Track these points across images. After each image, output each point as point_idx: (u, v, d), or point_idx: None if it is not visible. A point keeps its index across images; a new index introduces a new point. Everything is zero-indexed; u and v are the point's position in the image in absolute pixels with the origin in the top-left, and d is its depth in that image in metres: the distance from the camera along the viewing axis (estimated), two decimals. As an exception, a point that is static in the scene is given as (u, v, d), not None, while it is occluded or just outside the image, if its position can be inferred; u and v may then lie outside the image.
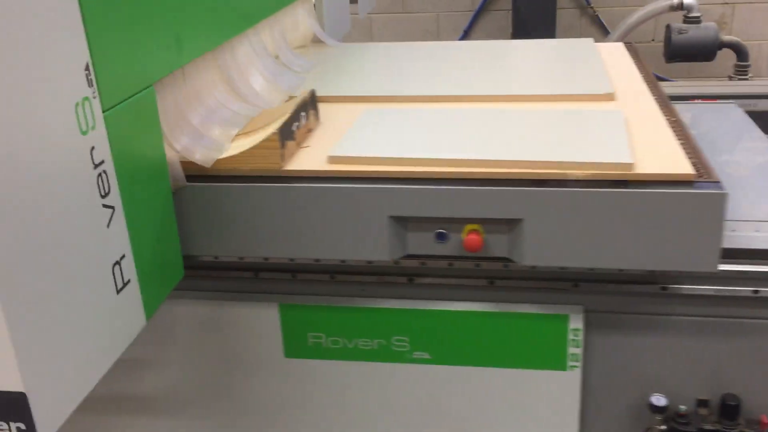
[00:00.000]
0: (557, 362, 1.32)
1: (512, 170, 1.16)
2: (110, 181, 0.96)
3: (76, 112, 0.88)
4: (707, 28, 3.06)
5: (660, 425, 1.29)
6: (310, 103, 1.37)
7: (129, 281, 1.01)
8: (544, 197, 1.12)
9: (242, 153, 1.20)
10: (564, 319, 1.29)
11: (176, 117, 1.20)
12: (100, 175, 0.93)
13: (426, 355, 1.36)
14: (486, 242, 1.18)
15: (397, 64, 1.82)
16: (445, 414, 1.39)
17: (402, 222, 1.19)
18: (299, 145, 1.30)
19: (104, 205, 0.95)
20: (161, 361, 1.43)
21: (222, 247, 1.23)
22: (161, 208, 1.12)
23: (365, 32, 4.12)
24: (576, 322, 1.27)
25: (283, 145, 1.21)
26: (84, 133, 0.90)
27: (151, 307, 1.08)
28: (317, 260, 1.28)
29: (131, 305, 1.03)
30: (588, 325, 1.28)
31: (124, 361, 1.02)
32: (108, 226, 0.96)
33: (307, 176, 1.20)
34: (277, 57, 1.66)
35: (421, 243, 1.21)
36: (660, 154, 1.19)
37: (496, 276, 1.28)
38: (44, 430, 0.83)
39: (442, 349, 1.35)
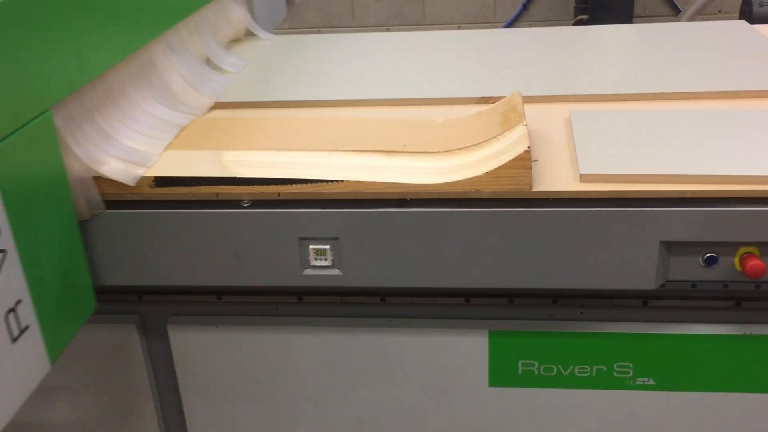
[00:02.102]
0: (797, 385, 1.22)
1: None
2: (0, 222, 0.85)
3: None
4: (789, 0, 2.95)
5: None
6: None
7: (27, 327, 0.92)
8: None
9: (488, 174, 1.06)
10: (813, 340, 1.19)
11: (87, 127, 1.08)
12: None
13: (650, 381, 1.25)
14: (761, 266, 1.06)
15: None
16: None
17: (667, 246, 1.07)
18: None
19: None
20: (364, 384, 1.30)
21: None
22: (66, 241, 1.02)
23: (418, 8, 3.93)
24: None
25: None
26: None
27: (56, 349, 1.00)
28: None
29: (31, 352, 0.94)
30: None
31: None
32: None
33: (560, 198, 1.07)
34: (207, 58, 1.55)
35: (686, 268, 1.09)
36: None
37: (744, 297, 1.17)
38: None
39: (668, 374, 1.24)
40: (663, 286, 1.10)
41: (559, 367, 1.26)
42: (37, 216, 0.96)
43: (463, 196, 1.08)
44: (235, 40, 1.86)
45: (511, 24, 3.88)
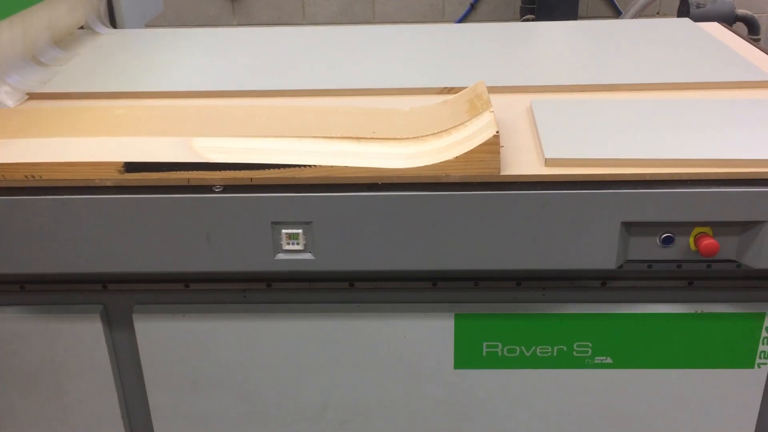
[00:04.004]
0: (745, 360, 1.29)
1: (745, 169, 1.10)
2: None
3: None
4: (724, 2, 3.09)
5: None
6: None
7: None
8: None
9: (457, 158, 1.09)
10: (760, 317, 1.25)
11: None
12: None
13: (608, 360, 1.31)
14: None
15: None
16: (621, 417, 1.35)
17: (627, 227, 1.12)
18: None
19: None
20: (331, 369, 1.32)
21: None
22: None
23: (368, 6, 3.95)
24: (774, 320, 1.24)
25: (498, 148, 1.10)
26: None
27: None
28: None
29: None
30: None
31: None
32: None
33: (526, 181, 1.11)
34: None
35: (644, 248, 1.14)
36: None
37: (697, 277, 1.23)
38: None
39: (625, 352, 1.30)
40: (622, 266, 1.15)
41: (522, 348, 1.30)
42: None
43: (433, 180, 1.11)
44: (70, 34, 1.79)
45: (459, 23, 3.94)
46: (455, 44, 1.73)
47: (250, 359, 1.31)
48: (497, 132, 1.08)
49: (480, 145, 1.08)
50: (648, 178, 1.10)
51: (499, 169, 1.10)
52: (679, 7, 3.20)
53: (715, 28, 1.83)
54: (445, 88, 1.44)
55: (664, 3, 3.66)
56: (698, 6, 3.04)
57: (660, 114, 1.28)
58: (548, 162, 1.12)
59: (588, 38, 1.79)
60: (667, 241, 1.13)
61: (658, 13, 3.78)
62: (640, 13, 3.29)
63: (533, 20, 3.58)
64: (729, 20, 3.09)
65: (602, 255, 1.12)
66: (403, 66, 1.59)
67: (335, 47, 1.72)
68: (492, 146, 1.08)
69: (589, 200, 1.09)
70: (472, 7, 3.93)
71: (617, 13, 3.79)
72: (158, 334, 1.29)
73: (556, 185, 1.10)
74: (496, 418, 1.35)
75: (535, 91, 1.44)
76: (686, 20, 1.86)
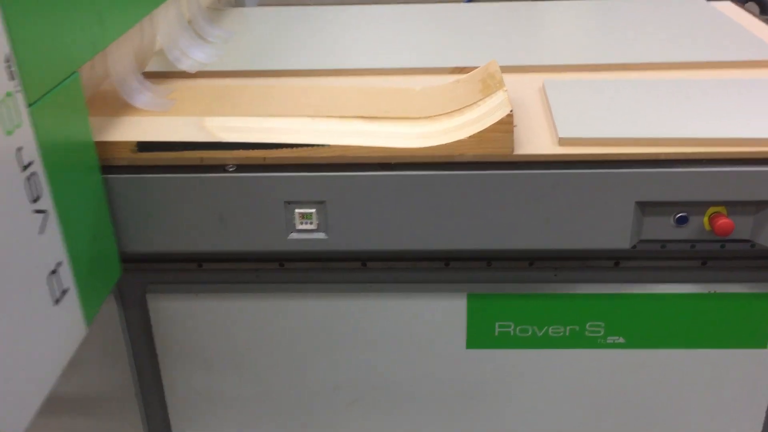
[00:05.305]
0: (758, 341, 1.29)
1: (760, 149, 1.10)
2: (41, 183, 0.87)
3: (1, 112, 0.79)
4: (736, -18, 3.05)
5: None
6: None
7: (67, 290, 0.94)
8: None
9: (471, 137, 1.09)
10: (773, 297, 1.25)
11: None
12: (29, 177, 0.85)
13: (620, 340, 1.31)
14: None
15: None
16: (632, 396, 1.35)
17: (641, 206, 1.12)
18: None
19: (35, 211, 0.86)
20: (342, 350, 1.32)
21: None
22: (95, 204, 1.04)
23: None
24: (788, 300, 1.24)
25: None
26: (9, 133, 0.80)
27: (90, 314, 1.01)
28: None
29: (70, 315, 0.96)
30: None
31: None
32: (41, 233, 0.87)
33: (540, 161, 1.10)
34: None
35: (658, 228, 1.14)
36: None
37: (710, 257, 1.23)
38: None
39: (637, 332, 1.30)
40: (635, 246, 1.15)
41: (534, 328, 1.30)
42: (71, 177, 0.97)
43: (446, 160, 1.11)
44: (214, 9, 1.84)
45: (469, 2, 3.90)
46: (465, 23, 1.72)
47: (262, 339, 1.32)
48: (511, 111, 1.07)
49: (494, 124, 1.08)
50: (663, 158, 1.09)
51: (512, 148, 1.10)
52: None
53: (728, 8, 1.81)
54: (456, 67, 1.43)
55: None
56: (710, -15, 3.00)
57: (674, 93, 1.27)
58: (562, 141, 1.12)
59: (599, 17, 1.77)
60: (682, 221, 1.12)
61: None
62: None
63: None
64: (741, 0, 3.05)
65: (616, 234, 1.12)
66: (413, 45, 1.58)
67: (343, 27, 1.71)
68: (506, 125, 1.08)
69: (604, 179, 1.08)
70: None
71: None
72: (172, 314, 1.29)
73: (570, 164, 1.09)
74: (508, 398, 1.36)
75: (547, 70, 1.44)
76: (700, 0, 1.84)
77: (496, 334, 1.31)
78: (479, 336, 1.31)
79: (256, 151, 1.11)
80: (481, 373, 1.34)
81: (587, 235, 1.12)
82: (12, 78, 0.82)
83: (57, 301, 0.92)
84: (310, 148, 1.11)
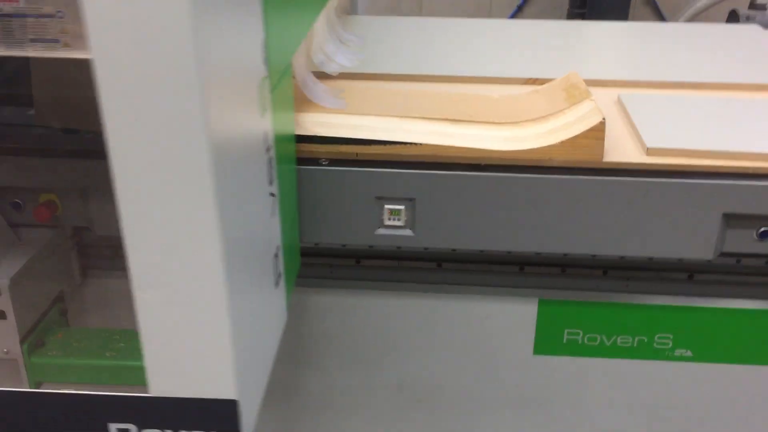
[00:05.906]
0: (826, 359, 1.30)
1: None
2: (274, 167, 0.90)
3: (259, 95, 0.82)
4: (776, 13, 3.08)
5: None
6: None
7: (281, 274, 0.97)
8: None
9: (562, 143, 1.11)
10: None
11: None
12: (269, 160, 0.87)
13: (688, 353, 1.32)
14: (809, 241, 1.13)
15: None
16: (698, 410, 1.36)
17: (727, 218, 1.13)
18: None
19: (270, 194, 0.89)
20: (409, 349, 1.34)
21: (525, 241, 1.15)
22: (294, 194, 1.07)
23: (415, 3, 3.98)
24: None
25: (603, 135, 1.12)
26: (262, 115, 0.83)
27: (288, 302, 1.03)
28: (594, 255, 1.21)
29: (282, 300, 0.98)
30: None
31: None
32: (272, 216, 0.90)
33: (629, 168, 1.12)
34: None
35: (740, 241, 1.15)
36: None
37: (786, 273, 1.24)
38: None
39: (706, 346, 1.31)
40: (715, 259, 1.16)
41: (603, 336, 1.31)
42: (286, 166, 1.00)
43: (534, 164, 1.13)
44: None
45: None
46: (527, 38, 1.75)
47: (330, 335, 1.33)
48: (603, 119, 1.09)
49: (586, 130, 1.10)
50: (750, 172, 1.11)
51: (602, 155, 1.11)
52: (728, 18, 3.19)
53: (786, 34, 1.83)
54: (530, 78, 1.46)
55: (710, 14, 3.66)
56: (748, 18, 3.03)
57: (751, 111, 1.29)
58: (650, 151, 1.13)
59: (655, 39, 1.80)
60: (764, 236, 1.14)
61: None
62: (691, 20, 3.30)
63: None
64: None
65: (699, 245, 1.13)
66: (484, 56, 1.60)
67: (412, 37, 1.75)
68: (598, 132, 1.10)
69: (691, 189, 1.10)
70: (519, 8, 3.94)
71: (661, 20, 3.79)
72: None
73: (659, 173, 1.11)
74: (572, 406, 1.36)
75: (618, 85, 1.46)
76: (756, 26, 1.87)
77: (564, 341, 1.32)
78: (547, 342, 1.32)
79: (348, 146, 1.13)
80: (547, 380, 1.35)
81: (671, 244, 1.13)
82: (265, 63, 0.84)
83: (276, 284, 0.94)
84: (401, 146, 1.13)
